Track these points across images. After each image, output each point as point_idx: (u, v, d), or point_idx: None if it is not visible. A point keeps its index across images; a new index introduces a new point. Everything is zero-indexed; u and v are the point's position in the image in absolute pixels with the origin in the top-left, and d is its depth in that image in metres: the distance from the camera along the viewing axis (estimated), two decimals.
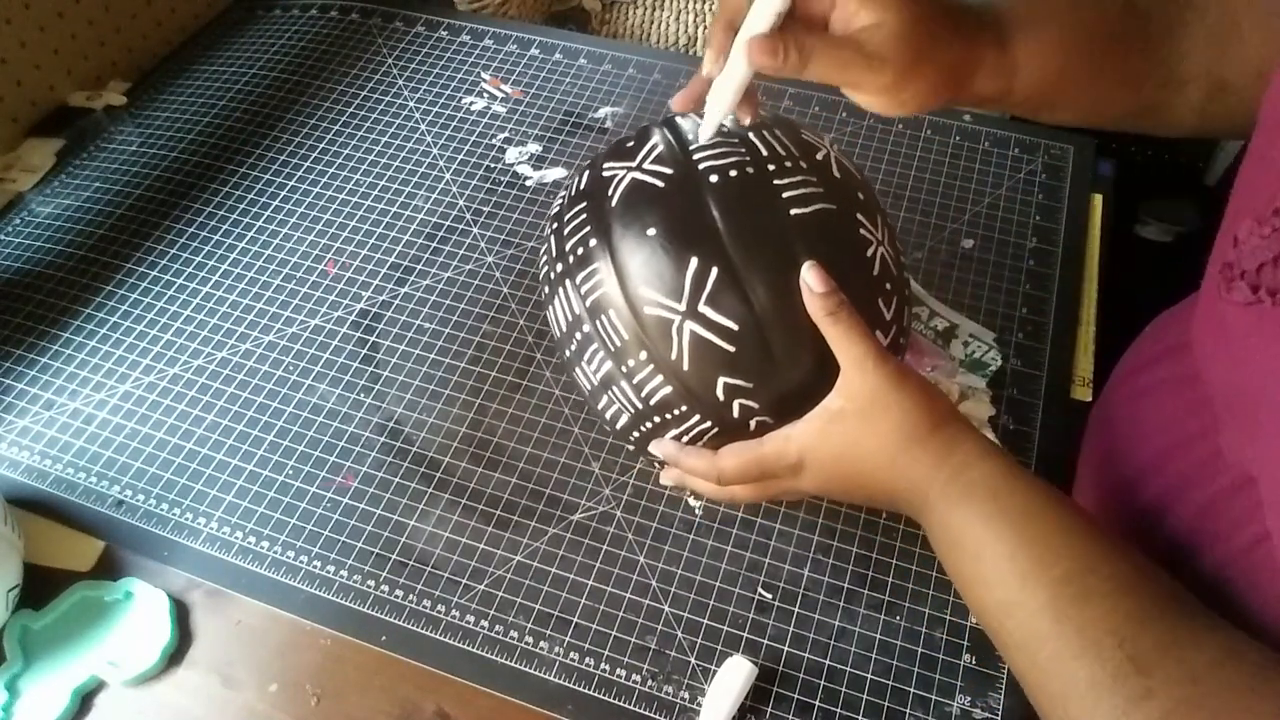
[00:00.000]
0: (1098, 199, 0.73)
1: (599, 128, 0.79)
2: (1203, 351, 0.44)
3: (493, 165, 0.77)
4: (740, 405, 0.43)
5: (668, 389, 0.43)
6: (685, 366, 0.42)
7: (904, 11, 0.41)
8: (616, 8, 1.15)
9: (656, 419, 0.45)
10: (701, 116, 0.45)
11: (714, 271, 0.42)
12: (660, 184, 0.44)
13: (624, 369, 0.44)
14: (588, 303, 0.44)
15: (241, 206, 0.75)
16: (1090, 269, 0.68)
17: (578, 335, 0.46)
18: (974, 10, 0.44)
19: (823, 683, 0.50)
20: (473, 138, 0.79)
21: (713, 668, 0.50)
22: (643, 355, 0.43)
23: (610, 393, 0.46)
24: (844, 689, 0.50)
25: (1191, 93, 0.45)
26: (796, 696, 0.50)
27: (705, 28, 1.12)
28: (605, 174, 0.46)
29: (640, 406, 0.45)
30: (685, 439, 0.46)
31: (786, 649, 0.51)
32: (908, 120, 0.78)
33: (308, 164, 0.78)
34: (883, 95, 0.43)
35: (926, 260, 0.68)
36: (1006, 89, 0.45)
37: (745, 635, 0.52)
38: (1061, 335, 0.64)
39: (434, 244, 0.71)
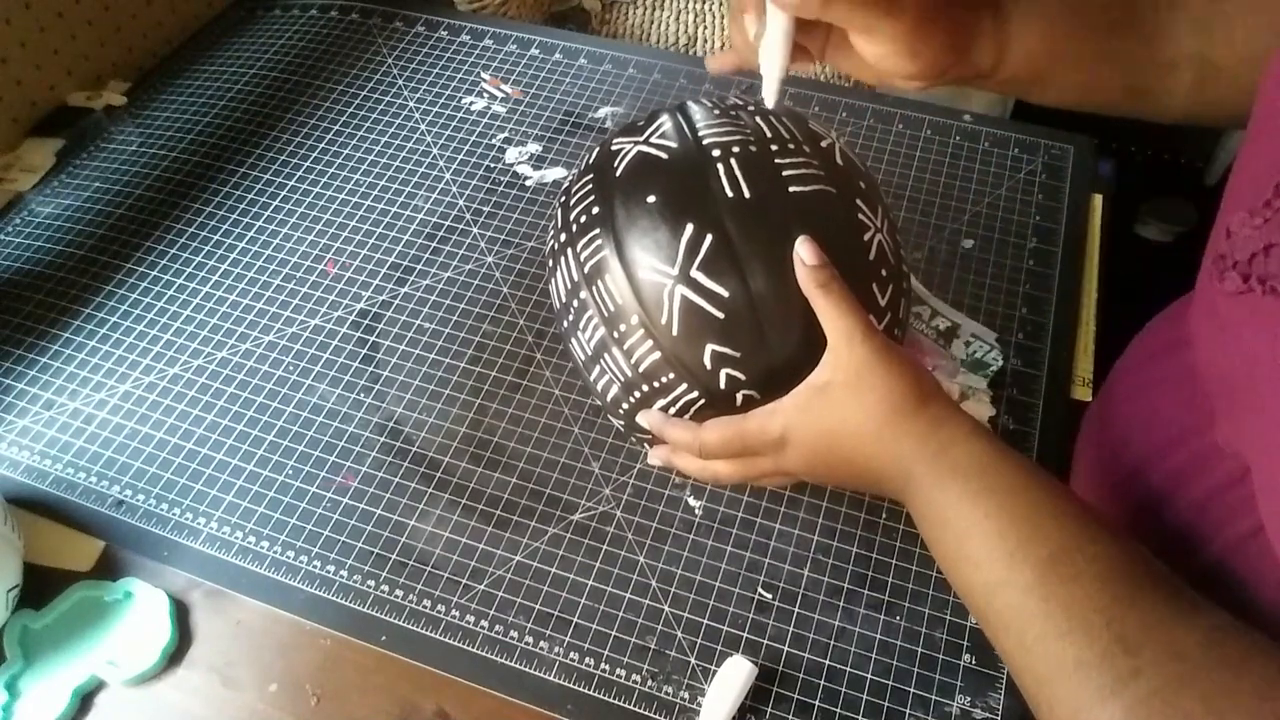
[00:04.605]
0: (1098, 199, 0.73)
1: (599, 128, 0.79)
2: (1197, 341, 0.44)
3: (493, 165, 0.77)
4: (727, 375, 0.43)
5: (656, 355, 0.44)
6: (675, 332, 0.43)
7: None
8: (616, 8, 1.15)
9: (645, 388, 0.46)
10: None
11: (708, 239, 0.42)
12: (664, 156, 0.45)
13: (616, 334, 0.45)
14: (586, 269, 0.45)
15: (241, 206, 0.75)
16: (1090, 269, 0.68)
17: (575, 303, 0.46)
18: None
19: (823, 683, 0.50)
20: (473, 138, 0.79)
21: (713, 668, 0.50)
22: (634, 320, 0.44)
23: (602, 361, 0.46)
24: (844, 689, 0.50)
25: (1181, 75, 0.46)
26: (796, 696, 0.50)
27: (705, 28, 1.12)
28: (613, 148, 0.48)
29: (630, 374, 0.45)
30: (672, 410, 0.46)
31: (786, 649, 0.51)
32: (908, 120, 0.78)
33: (308, 164, 0.78)
34: (895, 45, 0.42)
35: (926, 260, 0.68)
36: (998, 62, 0.46)
37: (745, 635, 0.52)
38: (1061, 335, 0.64)
39: (434, 244, 0.71)
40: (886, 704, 0.49)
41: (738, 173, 0.44)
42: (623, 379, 0.46)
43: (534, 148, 0.78)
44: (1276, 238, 0.35)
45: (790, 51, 0.43)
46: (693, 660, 0.51)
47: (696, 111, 0.47)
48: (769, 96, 0.43)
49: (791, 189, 0.44)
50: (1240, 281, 0.37)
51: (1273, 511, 0.35)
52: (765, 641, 0.51)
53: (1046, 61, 0.46)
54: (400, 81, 0.84)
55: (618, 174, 0.46)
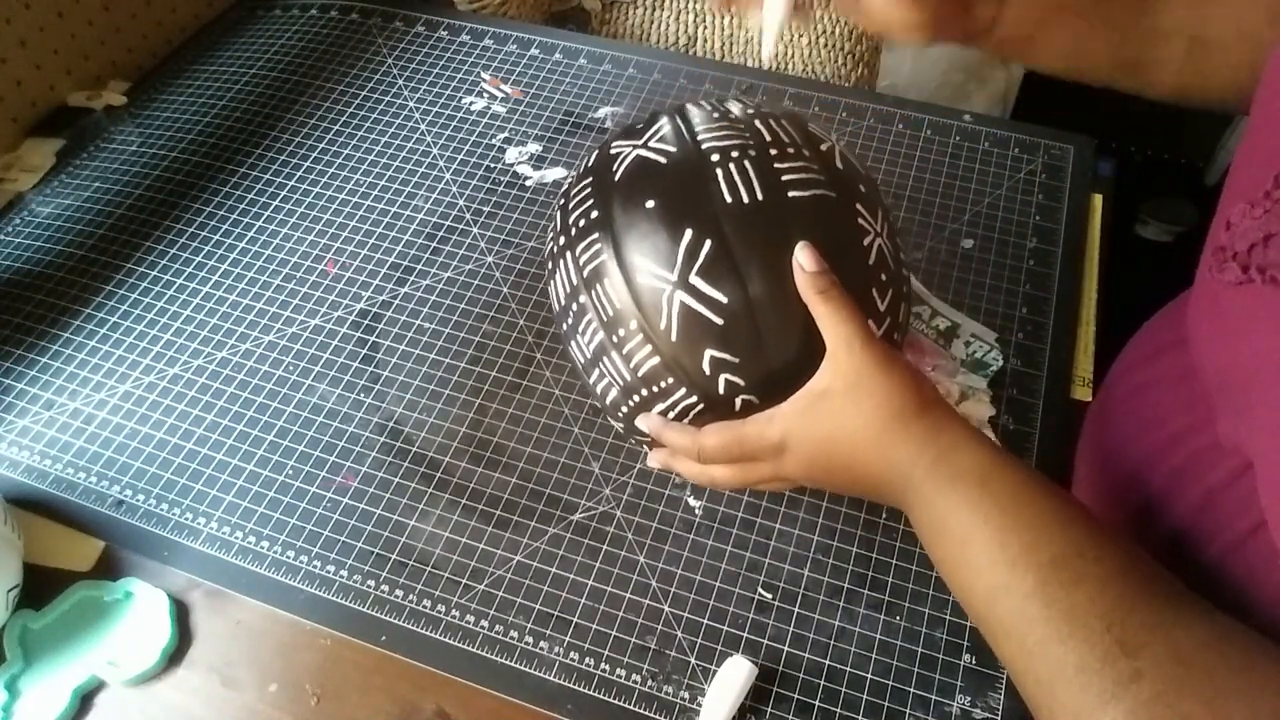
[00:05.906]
0: (1098, 199, 0.73)
1: (599, 128, 0.79)
2: (1196, 336, 0.44)
3: (493, 165, 0.77)
4: (726, 380, 0.43)
5: (655, 360, 0.44)
6: (673, 337, 0.43)
7: None
8: (616, 8, 1.15)
9: (644, 392, 0.46)
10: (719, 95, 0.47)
11: (707, 245, 0.42)
12: (663, 160, 0.45)
13: (615, 339, 0.45)
14: (585, 273, 0.45)
15: (241, 206, 0.75)
16: (1090, 269, 0.68)
17: (574, 306, 0.46)
18: None
19: (823, 683, 0.50)
20: (473, 138, 0.79)
21: (713, 668, 0.50)
22: (633, 325, 0.44)
23: (601, 365, 0.46)
24: (844, 689, 0.50)
25: (1173, 46, 0.46)
26: (796, 696, 0.50)
27: (705, 28, 1.12)
28: (612, 152, 0.48)
29: (629, 378, 0.45)
30: (672, 415, 0.46)
31: (786, 649, 0.51)
32: (908, 120, 0.78)
33: (308, 164, 0.78)
34: None
35: (926, 260, 0.68)
36: (997, 18, 0.47)
37: (745, 635, 0.52)
38: (1061, 335, 0.64)
39: (434, 244, 0.71)
40: (886, 704, 0.49)
41: (736, 177, 0.44)
42: (622, 383, 0.46)
43: (534, 148, 0.78)
44: (1276, 227, 0.35)
45: (791, 4, 0.43)
46: (693, 660, 0.51)
47: (695, 115, 0.47)
48: (767, 46, 0.43)
49: (791, 193, 0.44)
50: (1240, 272, 0.37)
51: (1274, 504, 0.35)
52: (765, 641, 0.51)
53: (1040, 19, 0.46)
54: (400, 81, 0.84)
55: (616, 178, 0.46)
